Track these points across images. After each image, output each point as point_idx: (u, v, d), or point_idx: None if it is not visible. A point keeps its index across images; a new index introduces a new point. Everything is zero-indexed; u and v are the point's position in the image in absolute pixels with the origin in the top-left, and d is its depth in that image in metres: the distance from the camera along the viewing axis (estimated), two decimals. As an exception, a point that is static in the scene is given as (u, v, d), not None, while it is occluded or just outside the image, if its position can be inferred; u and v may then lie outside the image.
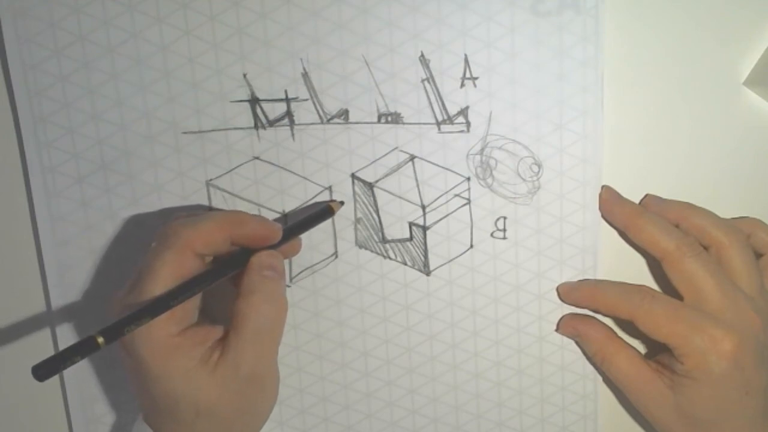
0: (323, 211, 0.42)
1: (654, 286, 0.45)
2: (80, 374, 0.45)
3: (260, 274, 0.38)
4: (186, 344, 0.36)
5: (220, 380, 0.36)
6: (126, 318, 0.35)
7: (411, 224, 0.44)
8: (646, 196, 0.44)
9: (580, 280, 0.44)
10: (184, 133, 0.43)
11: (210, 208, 0.44)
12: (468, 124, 0.43)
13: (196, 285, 0.37)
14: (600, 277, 0.44)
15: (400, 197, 0.44)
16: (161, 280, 0.36)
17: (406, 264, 0.45)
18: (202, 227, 0.37)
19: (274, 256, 0.39)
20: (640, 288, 0.42)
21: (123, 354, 0.38)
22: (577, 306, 0.44)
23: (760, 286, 0.41)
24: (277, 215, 0.44)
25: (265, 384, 0.39)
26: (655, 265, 0.42)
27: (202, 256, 0.38)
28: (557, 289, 0.44)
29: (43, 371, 0.32)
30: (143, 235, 0.44)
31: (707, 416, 0.40)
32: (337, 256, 0.44)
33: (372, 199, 0.44)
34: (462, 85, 0.42)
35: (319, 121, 0.43)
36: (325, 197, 0.44)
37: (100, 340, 0.34)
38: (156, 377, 0.36)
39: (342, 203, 0.43)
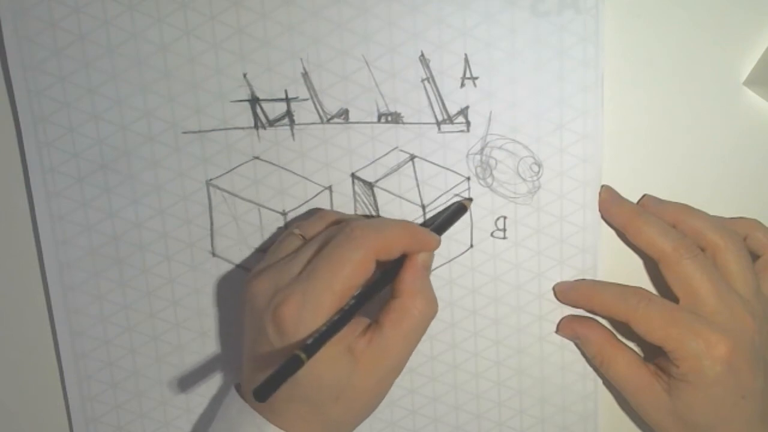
0: (458, 209, 0.43)
1: (653, 286, 0.45)
2: (80, 374, 0.45)
3: (422, 273, 0.39)
4: (339, 335, 0.37)
5: (366, 368, 0.38)
6: (325, 332, 0.36)
7: (411, 224, 0.44)
8: (644, 196, 0.44)
9: (577, 280, 0.44)
10: (184, 133, 0.43)
11: (211, 208, 0.44)
12: (468, 123, 0.43)
13: (371, 293, 0.38)
14: (600, 277, 0.44)
15: (400, 197, 0.44)
16: (344, 278, 0.37)
17: (406, 264, 0.45)
18: (389, 235, 0.38)
19: (429, 256, 0.40)
20: (637, 290, 0.42)
21: (261, 334, 0.38)
22: (574, 306, 0.44)
23: (756, 289, 0.41)
24: (278, 215, 0.44)
25: (397, 375, 0.40)
26: (654, 266, 0.42)
27: (377, 262, 0.38)
28: (554, 289, 0.44)
29: (263, 393, 0.34)
30: (143, 235, 0.44)
31: (703, 420, 0.40)
32: None
33: (372, 199, 0.44)
34: (462, 84, 0.42)
35: (319, 121, 0.43)
36: (325, 197, 0.44)
37: (303, 356, 0.35)
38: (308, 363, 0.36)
39: (471, 200, 0.44)
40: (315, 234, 0.40)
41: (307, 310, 0.36)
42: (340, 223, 0.40)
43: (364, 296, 0.38)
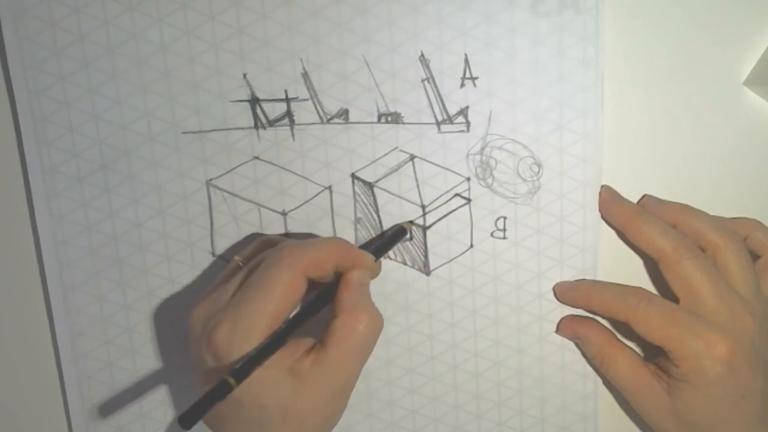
0: (398, 232, 0.43)
1: (653, 286, 0.45)
2: (80, 374, 0.45)
3: (358, 290, 0.38)
4: (277, 356, 0.37)
5: (312, 389, 0.37)
6: (254, 357, 0.35)
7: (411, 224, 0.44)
8: (644, 196, 0.44)
9: (576, 280, 0.44)
10: (184, 133, 0.43)
11: (211, 208, 0.44)
12: (468, 124, 0.43)
13: (307, 315, 0.38)
14: (600, 277, 0.44)
15: (400, 197, 0.44)
16: (274, 299, 0.36)
17: (406, 264, 0.45)
18: (317, 252, 0.38)
19: (365, 273, 0.39)
20: (637, 290, 0.42)
21: (202, 362, 0.38)
22: (574, 306, 0.44)
23: (756, 289, 0.41)
24: (278, 215, 0.44)
25: (349, 393, 0.39)
26: (654, 266, 0.42)
27: (309, 280, 0.38)
28: (554, 289, 0.44)
29: (188, 420, 0.34)
30: (143, 235, 0.44)
31: (703, 420, 0.40)
32: None
33: (372, 199, 0.44)
34: (462, 85, 0.42)
35: (319, 121, 0.43)
36: (325, 197, 0.44)
37: (232, 381, 0.35)
38: (246, 386, 0.36)
39: (412, 222, 0.44)
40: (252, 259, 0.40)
41: (238, 335, 0.36)
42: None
43: (300, 317, 0.38)
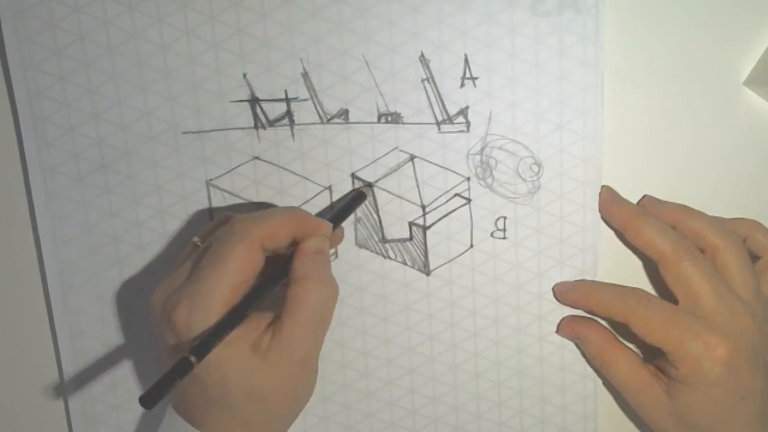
0: (357, 197, 0.42)
1: (653, 287, 0.45)
2: (80, 374, 0.45)
3: (311, 258, 0.37)
4: (239, 332, 0.36)
5: (273, 364, 0.36)
6: (213, 333, 0.35)
7: (411, 224, 0.44)
8: (644, 197, 0.44)
9: (576, 281, 0.44)
10: (184, 133, 0.43)
11: (211, 208, 0.44)
12: (468, 124, 0.43)
13: (265, 287, 0.37)
14: (600, 277, 0.44)
15: (400, 197, 0.44)
16: (229, 273, 0.36)
17: (406, 264, 0.45)
18: (270, 223, 0.37)
19: (321, 240, 0.39)
20: (636, 291, 0.42)
21: (166, 344, 0.37)
22: (573, 307, 0.44)
23: (756, 290, 0.41)
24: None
25: (312, 367, 0.39)
26: (654, 267, 0.42)
27: (266, 251, 0.38)
28: (553, 289, 0.44)
29: (149, 400, 0.33)
30: (143, 235, 0.44)
31: (703, 421, 0.40)
32: (337, 256, 0.44)
33: (372, 198, 0.44)
34: (462, 85, 0.42)
35: (319, 121, 0.43)
36: (325, 197, 0.44)
37: (193, 359, 0.34)
38: (209, 365, 0.36)
39: (370, 185, 0.43)
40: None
41: (196, 312, 0.36)
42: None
43: (258, 290, 0.37)
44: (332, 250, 0.44)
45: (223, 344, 0.35)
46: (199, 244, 0.40)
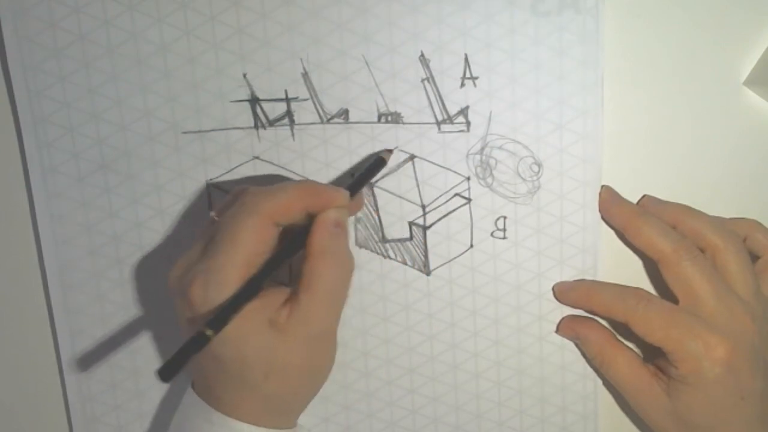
0: (377, 163, 0.41)
1: (653, 287, 0.45)
2: (80, 374, 0.45)
3: (329, 231, 0.37)
4: (256, 307, 0.36)
5: (291, 340, 0.36)
6: (229, 305, 0.35)
7: (411, 224, 0.44)
8: (644, 197, 0.44)
9: (576, 280, 0.44)
10: (184, 133, 0.43)
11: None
12: (468, 123, 0.43)
13: (280, 258, 0.37)
14: (600, 277, 0.44)
15: (400, 197, 0.44)
16: (242, 247, 0.36)
17: (406, 264, 0.45)
18: (282, 197, 0.37)
19: (339, 212, 0.38)
20: (636, 291, 0.42)
21: (184, 320, 0.37)
22: (573, 306, 0.44)
23: (756, 290, 0.41)
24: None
25: (331, 342, 0.39)
26: (654, 267, 0.42)
27: (279, 225, 0.37)
28: (553, 289, 0.44)
29: (166, 372, 0.33)
30: (143, 235, 0.44)
31: (703, 421, 0.40)
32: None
33: (372, 198, 0.44)
34: (462, 84, 0.42)
35: (319, 121, 0.43)
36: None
37: (209, 332, 0.34)
38: (226, 340, 0.36)
39: (391, 151, 0.42)
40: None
41: (211, 287, 0.35)
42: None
43: (272, 262, 0.37)
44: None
45: (240, 319, 0.35)
46: (216, 219, 0.40)
